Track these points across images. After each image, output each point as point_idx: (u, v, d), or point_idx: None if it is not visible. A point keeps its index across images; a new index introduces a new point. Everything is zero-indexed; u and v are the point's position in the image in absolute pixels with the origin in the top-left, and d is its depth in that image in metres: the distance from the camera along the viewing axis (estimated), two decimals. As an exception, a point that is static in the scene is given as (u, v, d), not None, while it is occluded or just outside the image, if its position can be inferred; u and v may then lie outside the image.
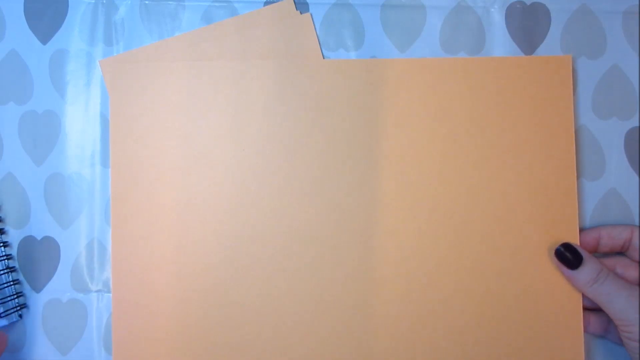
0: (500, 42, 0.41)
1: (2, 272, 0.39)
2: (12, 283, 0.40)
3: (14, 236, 0.41)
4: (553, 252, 0.37)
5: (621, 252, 0.38)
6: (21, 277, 0.41)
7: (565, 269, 0.37)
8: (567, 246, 0.37)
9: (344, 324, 0.39)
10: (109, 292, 0.40)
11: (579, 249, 0.37)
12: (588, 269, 0.36)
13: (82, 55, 0.41)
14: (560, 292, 0.38)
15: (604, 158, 0.40)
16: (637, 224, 0.40)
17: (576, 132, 0.40)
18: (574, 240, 0.38)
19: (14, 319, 0.40)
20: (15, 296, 0.40)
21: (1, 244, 0.40)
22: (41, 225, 0.41)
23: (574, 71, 0.40)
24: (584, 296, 0.38)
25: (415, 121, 0.39)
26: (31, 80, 0.41)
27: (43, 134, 0.41)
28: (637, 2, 0.41)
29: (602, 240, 0.38)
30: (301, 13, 0.41)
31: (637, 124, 0.40)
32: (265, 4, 0.41)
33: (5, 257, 0.40)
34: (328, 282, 0.39)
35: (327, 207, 0.39)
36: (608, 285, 0.35)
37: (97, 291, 0.40)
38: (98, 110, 0.41)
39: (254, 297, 0.39)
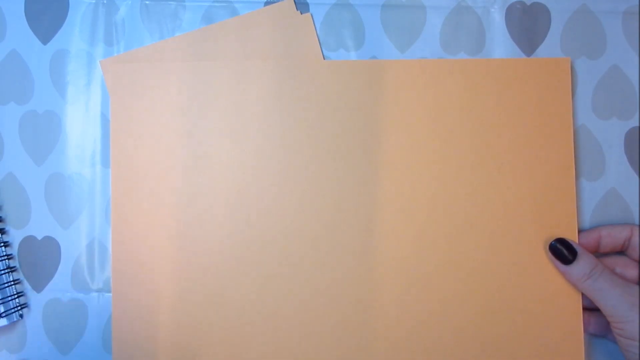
0: (500, 42, 0.41)
1: (2, 271, 0.39)
2: (12, 283, 0.40)
3: (14, 236, 0.41)
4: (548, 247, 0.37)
5: (621, 251, 0.38)
6: (22, 277, 0.41)
7: (559, 263, 0.37)
8: (561, 241, 0.37)
9: (344, 324, 0.39)
10: (109, 291, 0.40)
11: (574, 244, 0.37)
12: (582, 265, 0.36)
13: (83, 55, 0.41)
14: (560, 292, 0.38)
15: (604, 158, 0.40)
16: (637, 223, 0.40)
17: (576, 132, 0.40)
18: (573, 239, 0.38)
19: (15, 319, 0.40)
20: (16, 296, 0.40)
21: (2, 244, 0.40)
22: (42, 225, 0.41)
23: (574, 71, 0.40)
24: (584, 296, 0.38)
25: (415, 122, 0.39)
26: (32, 81, 0.41)
27: (43, 134, 0.41)
28: (637, 2, 0.41)
29: (603, 240, 0.38)
30: (301, 13, 0.41)
31: (637, 124, 0.40)
32: (266, 4, 0.41)
33: (5, 257, 0.40)
34: (328, 282, 0.39)
35: (326, 207, 0.39)
36: (602, 281, 0.35)
37: (98, 291, 0.40)
38: (98, 110, 0.41)
39: (254, 296, 0.39)
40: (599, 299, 0.35)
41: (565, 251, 0.37)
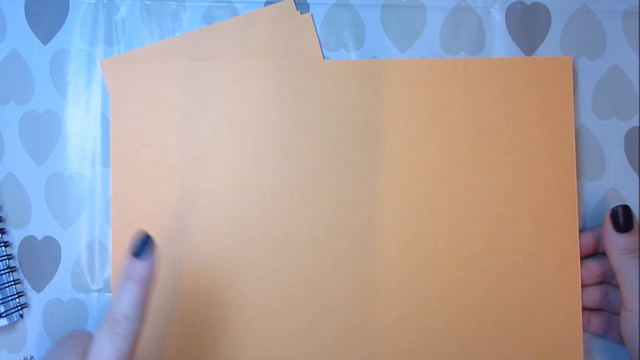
0: (500, 42, 0.41)
1: (3, 271, 0.40)
2: (13, 283, 0.40)
3: (14, 236, 0.41)
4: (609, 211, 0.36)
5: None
6: (22, 277, 0.41)
7: (610, 228, 0.35)
8: (625, 209, 0.36)
9: (344, 324, 0.39)
10: (109, 291, 0.40)
11: (635, 218, 0.36)
12: (632, 239, 0.35)
13: (83, 55, 0.41)
14: (560, 292, 0.38)
15: (604, 158, 0.40)
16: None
17: (576, 132, 0.40)
18: (574, 240, 0.38)
19: (15, 319, 0.40)
20: (16, 296, 0.40)
21: (2, 244, 0.40)
22: (42, 225, 0.41)
23: (574, 71, 0.40)
24: (584, 296, 0.38)
25: (415, 121, 0.39)
26: (32, 81, 0.41)
27: (44, 134, 0.41)
28: (637, 2, 0.41)
29: (602, 239, 0.38)
30: (301, 13, 0.41)
31: (637, 124, 0.40)
32: (266, 4, 0.41)
33: (6, 257, 0.40)
34: (328, 282, 0.39)
35: (327, 207, 0.39)
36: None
37: (98, 291, 0.40)
38: (99, 110, 0.41)
39: (254, 296, 0.39)
40: (629, 275, 0.34)
41: (625, 219, 0.35)
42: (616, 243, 0.35)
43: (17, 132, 0.41)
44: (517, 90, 0.39)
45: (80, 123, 0.41)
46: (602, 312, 0.38)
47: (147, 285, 0.29)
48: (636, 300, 0.34)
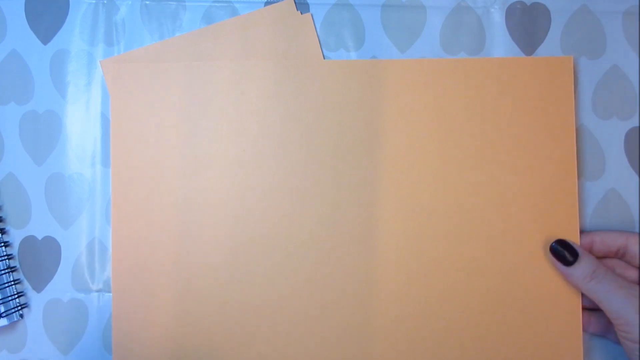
0: (500, 42, 0.41)
1: (3, 271, 0.40)
2: (13, 283, 0.40)
3: (15, 236, 0.41)
4: (548, 249, 0.37)
5: (616, 257, 0.38)
6: (22, 277, 0.41)
7: (560, 265, 0.36)
8: (561, 242, 0.36)
9: (344, 324, 0.39)
10: (109, 291, 0.40)
11: (574, 245, 0.36)
12: (584, 265, 0.35)
13: (83, 56, 0.41)
14: (560, 292, 0.38)
15: (604, 158, 0.40)
16: (637, 224, 0.40)
17: (576, 132, 0.40)
18: (574, 240, 0.38)
19: (15, 319, 0.40)
20: (16, 296, 0.40)
21: (2, 244, 0.40)
22: (42, 225, 0.41)
23: (574, 71, 0.40)
24: (584, 296, 0.38)
25: (415, 121, 0.39)
26: (32, 81, 0.41)
27: (44, 134, 0.41)
28: (637, 2, 0.41)
29: (595, 245, 0.37)
30: (302, 13, 0.41)
31: (637, 124, 0.40)
32: (266, 4, 0.41)
33: (6, 257, 0.40)
34: (328, 282, 0.39)
35: (327, 207, 0.39)
36: (606, 282, 0.34)
37: (98, 291, 0.40)
38: (99, 110, 0.41)
39: (254, 296, 0.39)
40: (603, 300, 0.34)
41: (566, 252, 0.36)
42: (576, 276, 0.36)
43: (17, 132, 0.41)
44: (517, 90, 0.39)
45: (80, 123, 0.41)
46: (602, 312, 0.38)
47: None
48: (621, 321, 0.33)
